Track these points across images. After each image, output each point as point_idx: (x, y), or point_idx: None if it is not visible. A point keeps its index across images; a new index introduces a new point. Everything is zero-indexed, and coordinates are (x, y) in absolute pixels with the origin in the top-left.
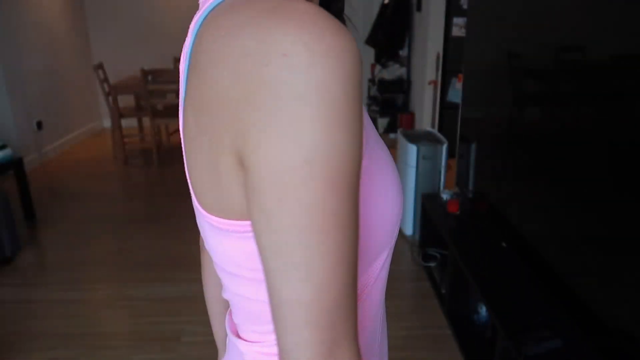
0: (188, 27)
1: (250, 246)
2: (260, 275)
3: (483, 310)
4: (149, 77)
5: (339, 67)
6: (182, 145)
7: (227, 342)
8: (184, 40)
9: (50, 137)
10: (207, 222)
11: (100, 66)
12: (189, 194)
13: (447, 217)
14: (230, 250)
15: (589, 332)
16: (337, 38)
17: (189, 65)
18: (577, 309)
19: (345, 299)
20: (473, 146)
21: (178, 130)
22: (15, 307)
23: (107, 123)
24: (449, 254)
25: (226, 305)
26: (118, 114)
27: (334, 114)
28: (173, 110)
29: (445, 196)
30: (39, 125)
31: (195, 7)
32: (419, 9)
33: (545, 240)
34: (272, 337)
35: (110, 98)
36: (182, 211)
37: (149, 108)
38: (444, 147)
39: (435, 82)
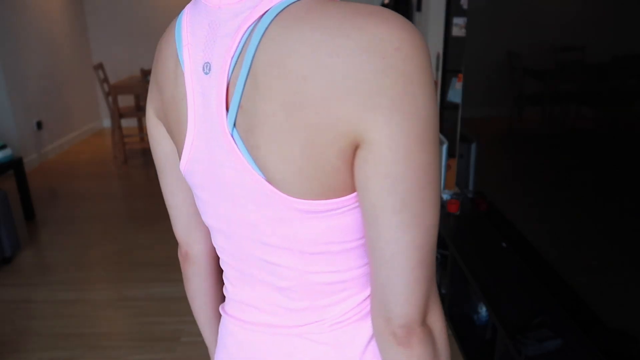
0: None
1: (346, 219)
2: (347, 244)
3: (483, 310)
4: (149, 77)
5: (426, 53)
6: (236, 144)
7: (273, 347)
8: None
9: (50, 137)
10: (297, 209)
11: (100, 66)
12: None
13: (447, 217)
14: (322, 229)
15: (589, 332)
16: (417, 31)
17: (250, 67)
18: (577, 309)
19: (436, 240)
20: (473, 146)
21: None
22: (15, 307)
23: (107, 123)
24: (449, 254)
25: (215, 308)
26: (118, 114)
27: (431, 89)
28: None
29: (445, 196)
30: (39, 125)
31: None
32: (419, 8)
33: (546, 240)
34: (341, 306)
35: (110, 98)
36: None
37: None
38: (444, 147)
39: (435, 82)
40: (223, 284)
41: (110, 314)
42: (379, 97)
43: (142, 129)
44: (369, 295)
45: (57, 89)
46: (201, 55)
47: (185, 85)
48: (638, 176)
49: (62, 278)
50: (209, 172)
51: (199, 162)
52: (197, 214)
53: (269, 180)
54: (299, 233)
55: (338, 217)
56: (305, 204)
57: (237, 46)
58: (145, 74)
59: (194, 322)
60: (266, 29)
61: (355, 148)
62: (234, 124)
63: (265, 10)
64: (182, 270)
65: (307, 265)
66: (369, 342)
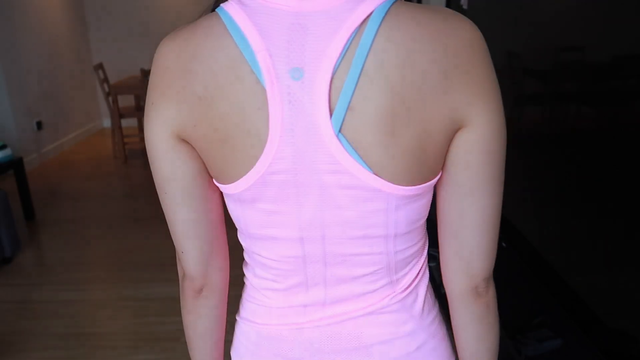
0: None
1: (429, 196)
2: (423, 219)
3: None
4: (149, 78)
5: None
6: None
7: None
8: None
9: (50, 137)
10: (405, 196)
11: (100, 66)
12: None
13: None
14: (416, 209)
15: (589, 332)
16: None
17: (362, 68)
18: (577, 309)
19: None
20: None
21: None
22: (15, 307)
23: (107, 123)
24: None
25: (222, 339)
26: (118, 114)
27: None
28: None
29: None
30: (39, 125)
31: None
32: None
33: (546, 240)
34: (410, 274)
35: (110, 98)
36: None
37: None
38: None
39: None
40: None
41: (110, 314)
42: (480, 86)
43: (142, 129)
44: (425, 259)
45: (57, 89)
46: (285, 61)
47: (267, 94)
48: (638, 176)
49: (62, 278)
50: (294, 180)
51: (280, 173)
52: (217, 238)
53: (377, 174)
54: (399, 218)
55: (427, 196)
56: (412, 190)
57: (343, 49)
58: (146, 74)
59: None
60: (377, 30)
61: (456, 131)
62: (340, 127)
63: (368, 13)
64: (191, 308)
65: (395, 246)
66: (425, 296)
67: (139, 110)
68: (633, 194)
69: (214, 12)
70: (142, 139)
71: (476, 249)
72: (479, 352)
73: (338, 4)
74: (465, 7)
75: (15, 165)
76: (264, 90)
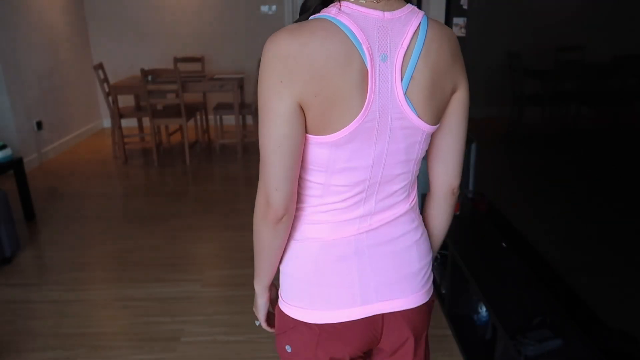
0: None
1: (430, 139)
2: (425, 151)
3: (483, 310)
4: (149, 77)
5: None
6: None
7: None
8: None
9: (50, 137)
10: (429, 133)
11: (100, 66)
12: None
13: None
14: (427, 143)
15: (589, 332)
16: None
17: (420, 53)
18: (577, 309)
19: None
20: (473, 146)
21: (178, 130)
22: (15, 307)
23: (107, 123)
24: (449, 254)
25: None
26: (118, 114)
27: None
28: (173, 110)
29: None
30: (39, 125)
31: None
32: (418, 8)
33: (545, 240)
34: (414, 189)
35: (110, 98)
36: (182, 211)
37: (148, 108)
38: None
39: None
40: None
41: (110, 314)
42: (462, 63)
43: (142, 128)
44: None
45: (57, 89)
46: (377, 49)
47: (369, 70)
48: (638, 176)
49: (62, 278)
50: (377, 126)
51: (370, 121)
52: (297, 179)
53: (420, 118)
54: (422, 147)
55: (429, 137)
56: (433, 129)
57: (409, 41)
58: (146, 74)
59: (194, 322)
60: (427, 31)
61: (453, 93)
62: (406, 90)
63: (419, 21)
64: (271, 231)
65: (415, 167)
66: (417, 203)
67: (138, 110)
68: (633, 194)
69: (321, 18)
70: (142, 139)
71: (457, 166)
72: (445, 229)
73: (404, 15)
74: (465, 7)
75: (15, 165)
76: (366, 69)
